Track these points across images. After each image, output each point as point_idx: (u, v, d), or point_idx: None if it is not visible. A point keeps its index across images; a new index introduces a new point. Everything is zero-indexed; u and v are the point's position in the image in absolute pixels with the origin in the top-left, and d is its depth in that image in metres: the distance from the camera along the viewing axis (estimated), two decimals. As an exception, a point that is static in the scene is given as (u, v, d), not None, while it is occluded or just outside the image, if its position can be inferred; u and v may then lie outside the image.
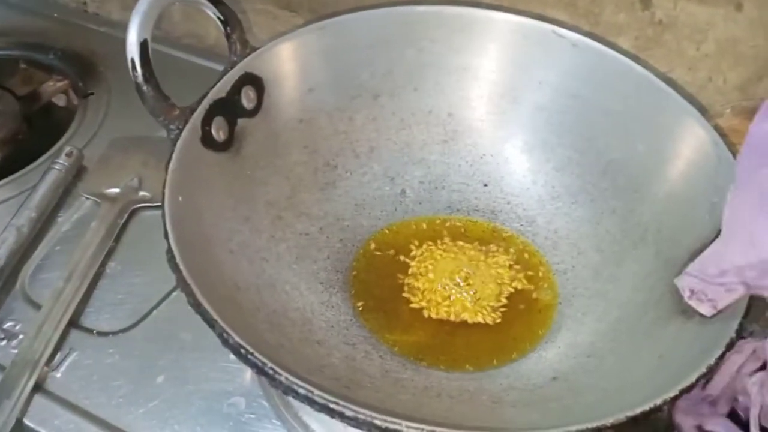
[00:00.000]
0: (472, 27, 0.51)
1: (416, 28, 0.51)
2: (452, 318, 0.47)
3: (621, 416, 0.32)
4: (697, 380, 0.33)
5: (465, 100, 0.53)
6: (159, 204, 0.39)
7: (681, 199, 0.45)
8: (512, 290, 0.48)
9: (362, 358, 0.44)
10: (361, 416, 0.32)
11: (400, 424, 0.31)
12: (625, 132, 0.48)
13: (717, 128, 0.44)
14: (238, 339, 0.34)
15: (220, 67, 0.47)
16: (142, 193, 0.59)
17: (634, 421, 0.32)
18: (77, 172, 0.61)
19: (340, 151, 0.52)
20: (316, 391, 0.32)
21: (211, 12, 0.47)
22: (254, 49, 0.48)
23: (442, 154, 0.54)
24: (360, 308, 0.47)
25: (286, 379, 0.33)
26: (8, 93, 0.70)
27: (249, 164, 0.47)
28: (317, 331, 0.44)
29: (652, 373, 0.38)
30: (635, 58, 0.48)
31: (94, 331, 0.51)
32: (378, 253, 0.51)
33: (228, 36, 0.47)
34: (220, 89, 0.46)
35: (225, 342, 0.34)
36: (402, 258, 0.50)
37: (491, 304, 0.47)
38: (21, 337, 0.50)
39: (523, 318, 0.47)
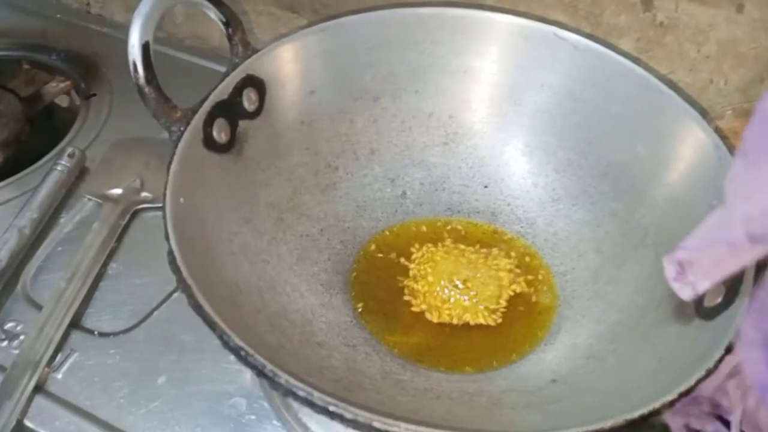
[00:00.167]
0: (473, 29, 0.51)
1: (418, 30, 0.51)
2: (455, 321, 0.47)
3: (620, 419, 0.32)
4: (697, 383, 0.33)
5: (466, 102, 0.53)
6: (161, 205, 0.40)
7: (682, 202, 0.45)
8: (512, 293, 0.48)
9: (362, 360, 0.44)
10: (360, 418, 0.32)
11: (399, 426, 0.31)
12: (626, 134, 0.48)
13: (718, 130, 0.44)
14: (238, 341, 0.34)
15: (224, 69, 0.47)
16: (143, 194, 0.59)
17: (632, 424, 0.32)
18: (79, 173, 0.61)
19: (341, 153, 0.52)
20: (316, 394, 0.32)
21: (213, 14, 0.47)
22: (256, 51, 0.48)
23: (442, 156, 0.54)
24: (360, 310, 0.47)
25: (286, 381, 0.33)
26: (11, 94, 0.70)
27: (250, 166, 0.47)
28: (317, 333, 0.44)
29: (651, 376, 0.38)
30: (636, 60, 0.48)
31: (96, 332, 0.51)
32: (378, 254, 0.51)
33: (230, 38, 0.47)
34: (222, 91, 0.46)
35: (225, 344, 0.35)
36: (402, 260, 0.50)
37: (491, 306, 0.47)
38: (22, 337, 0.50)
39: (522, 320, 0.47)
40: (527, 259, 0.50)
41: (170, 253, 0.37)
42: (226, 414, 0.47)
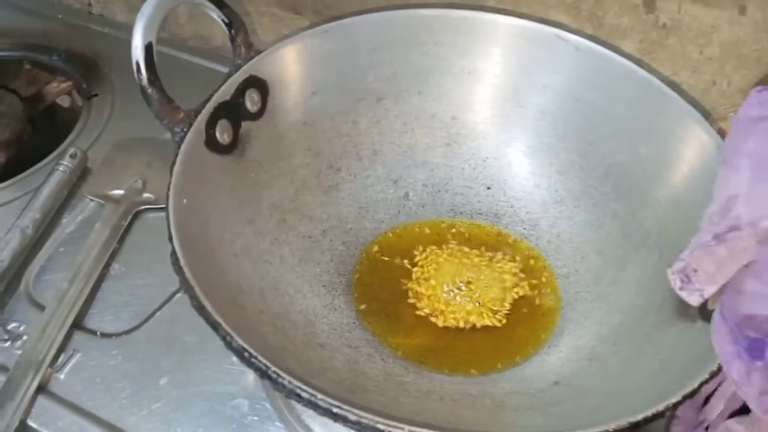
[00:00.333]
0: (476, 30, 0.51)
1: (421, 32, 0.52)
2: (461, 324, 0.47)
3: (623, 422, 0.32)
4: (700, 385, 0.33)
5: (469, 103, 0.53)
6: (163, 206, 0.40)
7: (684, 203, 0.45)
8: (515, 296, 0.48)
9: (365, 361, 0.44)
10: (363, 420, 0.32)
11: (402, 428, 0.31)
12: (628, 135, 0.48)
13: (720, 132, 0.44)
14: (241, 342, 0.34)
15: (227, 69, 0.47)
16: (146, 194, 0.59)
17: (635, 426, 0.32)
18: (81, 174, 0.61)
19: (344, 154, 0.52)
20: (319, 395, 0.32)
21: (216, 15, 0.47)
22: (258, 52, 0.48)
23: (445, 157, 0.54)
24: (363, 311, 0.47)
25: (289, 382, 0.33)
26: (12, 94, 0.70)
27: (253, 167, 0.47)
28: (320, 334, 0.44)
29: (654, 377, 0.38)
30: (638, 62, 0.48)
31: (98, 333, 0.51)
32: (381, 256, 0.51)
33: (232, 39, 0.47)
34: (225, 92, 0.46)
35: (228, 345, 0.35)
36: (405, 262, 0.50)
37: (494, 308, 0.47)
38: (25, 338, 0.50)
39: (526, 322, 0.47)
40: (532, 262, 0.50)
41: (173, 254, 0.37)
42: (228, 415, 0.47)
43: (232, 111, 0.46)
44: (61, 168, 0.60)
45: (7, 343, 0.50)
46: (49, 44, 0.75)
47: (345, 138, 0.52)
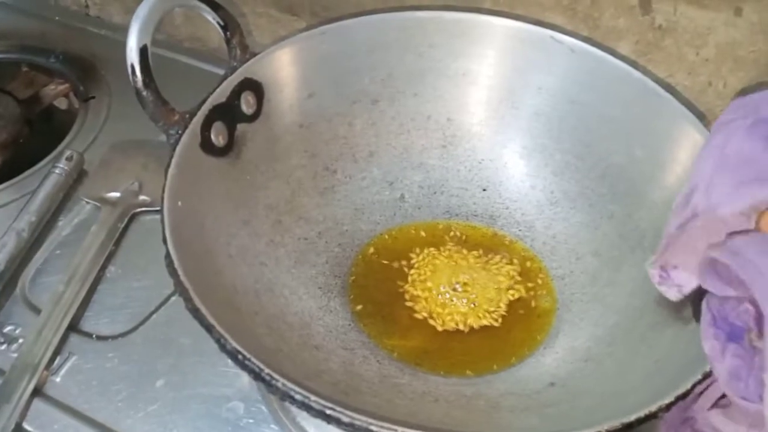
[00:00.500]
0: (471, 32, 0.52)
1: (416, 34, 0.52)
2: (461, 327, 0.47)
3: (616, 423, 0.32)
4: (693, 387, 0.34)
5: (464, 105, 0.53)
6: (159, 208, 0.40)
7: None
8: (511, 297, 0.48)
9: (360, 363, 0.44)
10: (357, 422, 0.32)
11: (395, 430, 0.31)
12: (623, 137, 0.48)
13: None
14: (235, 344, 0.34)
15: (223, 71, 0.47)
16: (142, 197, 0.59)
17: (629, 427, 0.32)
18: (78, 176, 0.61)
19: (340, 156, 0.52)
20: (313, 397, 0.32)
21: (211, 17, 0.47)
22: (254, 55, 0.48)
23: (441, 159, 0.54)
24: (358, 313, 0.47)
25: (283, 385, 0.33)
26: (9, 96, 0.70)
27: (249, 169, 0.48)
28: (315, 336, 0.44)
29: (648, 378, 0.38)
30: (633, 64, 0.48)
31: (94, 336, 0.51)
32: (376, 258, 0.51)
33: (228, 41, 0.47)
34: (220, 94, 0.46)
35: (222, 347, 0.35)
36: (400, 264, 0.50)
37: (490, 309, 0.47)
38: (21, 341, 0.50)
39: (522, 323, 0.47)
40: (528, 264, 0.50)
41: (167, 256, 0.37)
42: (224, 417, 0.47)
43: (228, 113, 0.46)
44: (57, 170, 0.60)
45: (3, 346, 0.50)
46: (46, 46, 0.75)
47: (341, 140, 0.52)
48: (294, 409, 0.45)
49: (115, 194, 0.59)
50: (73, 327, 0.51)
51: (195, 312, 0.35)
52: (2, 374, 0.48)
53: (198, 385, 0.48)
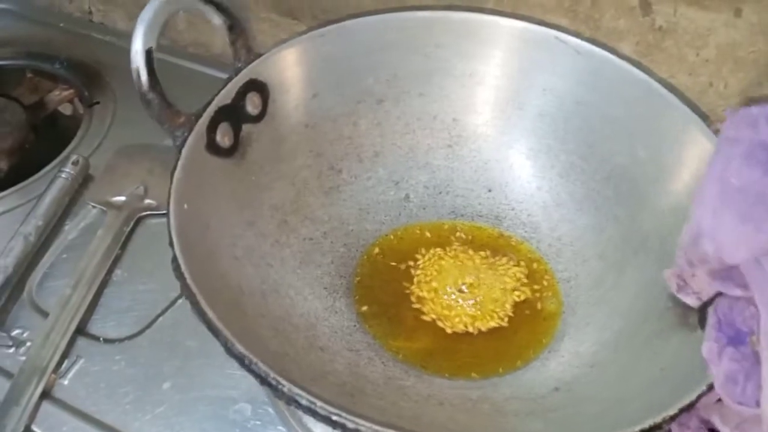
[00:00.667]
0: (478, 33, 0.51)
1: (422, 34, 0.51)
2: (470, 329, 0.47)
3: None
4: (698, 398, 0.33)
5: (470, 105, 0.53)
6: (165, 212, 0.40)
7: (682, 205, 0.44)
8: (516, 299, 0.48)
9: (365, 365, 0.44)
10: (362, 428, 0.32)
11: (401, 436, 0.31)
12: (627, 138, 0.48)
13: (718, 134, 0.44)
14: (241, 348, 0.34)
15: (226, 76, 0.47)
16: (147, 200, 0.60)
17: None
18: (83, 181, 0.62)
19: (345, 156, 0.52)
20: (319, 403, 0.32)
21: (216, 18, 0.47)
22: (259, 55, 0.48)
23: (446, 159, 0.54)
24: (364, 314, 0.47)
25: (289, 390, 0.33)
26: (15, 102, 0.71)
27: (254, 169, 0.48)
28: (321, 337, 0.44)
29: (653, 386, 0.38)
30: (638, 64, 0.48)
31: (101, 339, 0.51)
32: (382, 258, 0.51)
33: (232, 43, 0.47)
34: (225, 96, 0.46)
35: (229, 351, 0.34)
36: (407, 265, 0.50)
37: (495, 311, 0.47)
38: (29, 344, 0.50)
39: (527, 326, 0.47)
40: (535, 266, 0.50)
41: (174, 259, 0.37)
42: (231, 419, 0.47)
43: (233, 114, 0.46)
44: (63, 175, 0.60)
45: (11, 350, 0.50)
46: (51, 53, 0.76)
47: (346, 140, 0.52)
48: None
49: (121, 198, 0.60)
50: (81, 330, 0.51)
51: (202, 316, 0.35)
52: (11, 377, 0.48)
53: (205, 387, 0.48)
